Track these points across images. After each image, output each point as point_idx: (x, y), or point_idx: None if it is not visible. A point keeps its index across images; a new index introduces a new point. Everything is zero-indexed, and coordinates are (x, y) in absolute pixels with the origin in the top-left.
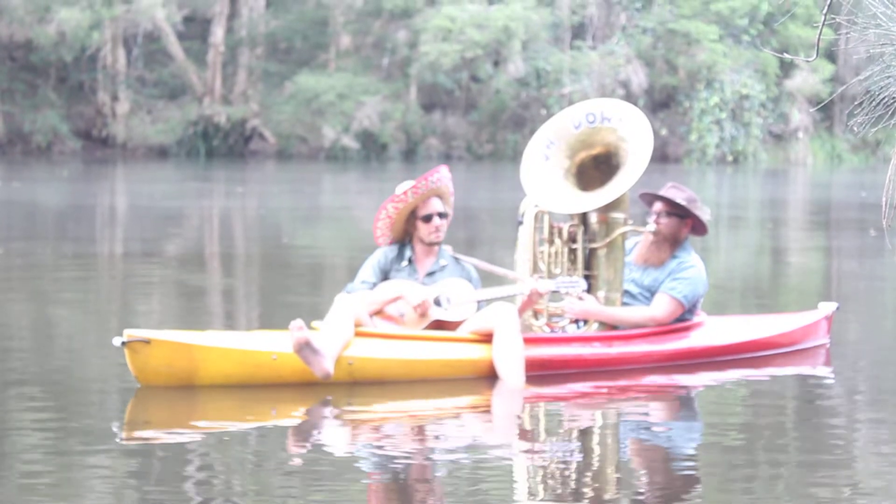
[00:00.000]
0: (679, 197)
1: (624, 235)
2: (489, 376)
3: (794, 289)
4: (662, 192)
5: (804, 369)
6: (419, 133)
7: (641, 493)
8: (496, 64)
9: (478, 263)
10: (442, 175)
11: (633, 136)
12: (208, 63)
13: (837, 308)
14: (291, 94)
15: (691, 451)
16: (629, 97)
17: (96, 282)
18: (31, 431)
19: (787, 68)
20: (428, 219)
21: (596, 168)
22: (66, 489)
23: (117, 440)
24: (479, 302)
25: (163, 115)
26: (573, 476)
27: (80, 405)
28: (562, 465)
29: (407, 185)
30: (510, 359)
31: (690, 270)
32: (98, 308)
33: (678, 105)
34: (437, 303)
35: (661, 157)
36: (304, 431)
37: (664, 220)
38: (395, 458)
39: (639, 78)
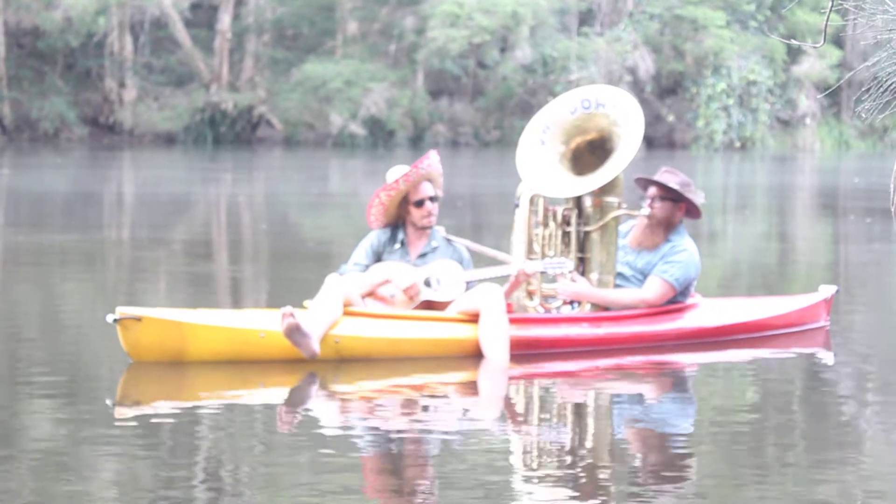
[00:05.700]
0: (673, 181)
1: (617, 219)
2: (474, 355)
3: (796, 273)
4: (656, 177)
5: (801, 350)
6: (426, 119)
7: (635, 468)
8: (503, 51)
9: (469, 244)
10: (431, 161)
11: (625, 120)
12: (215, 50)
13: (837, 291)
14: (298, 80)
15: (677, 426)
16: (636, 84)
17: (99, 265)
18: (36, 402)
19: (794, 54)
20: (420, 203)
21: (591, 153)
22: (63, 462)
23: (111, 415)
24: (468, 282)
25: (170, 102)
26: (558, 449)
27: (79, 381)
28: (547, 439)
29: (398, 171)
30: (495, 338)
31: (683, 254)
32: (103, 289)
33: (685, 91)
34: (427, 283)
35: (669, 143)
36: (292, 406)
37: (658, 204)
38: (382, 431)
39: (646, 64)
